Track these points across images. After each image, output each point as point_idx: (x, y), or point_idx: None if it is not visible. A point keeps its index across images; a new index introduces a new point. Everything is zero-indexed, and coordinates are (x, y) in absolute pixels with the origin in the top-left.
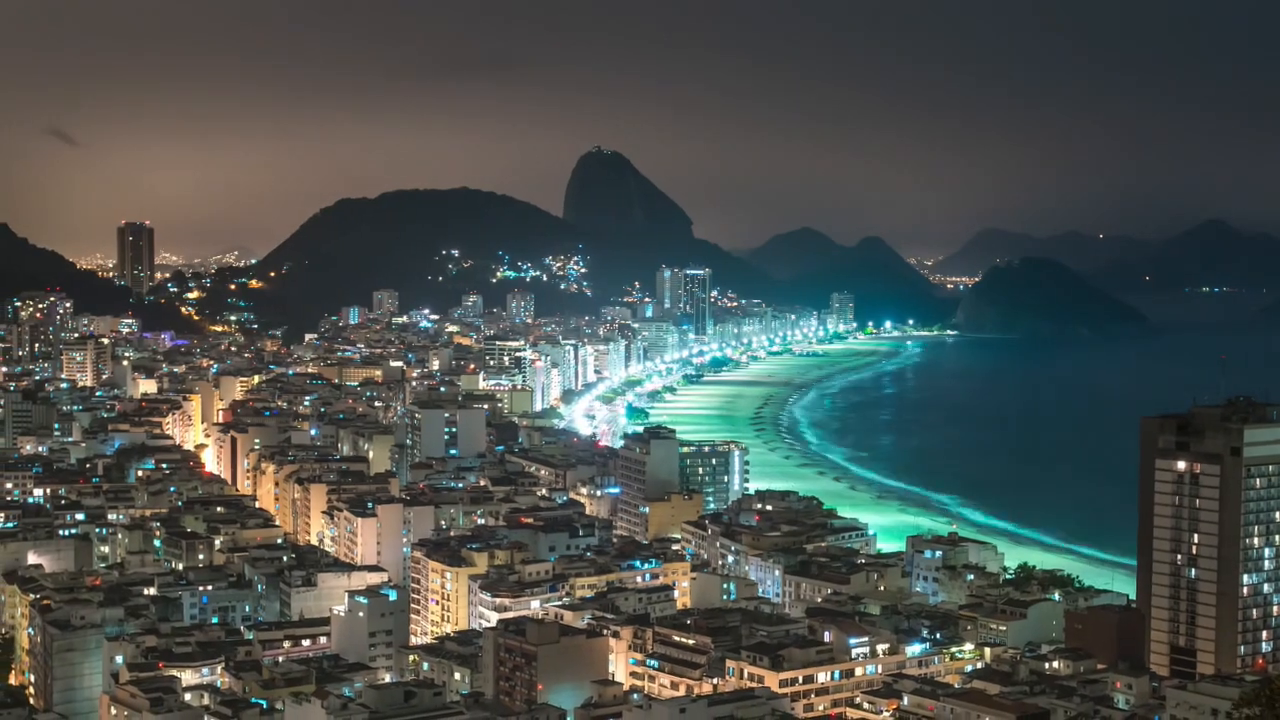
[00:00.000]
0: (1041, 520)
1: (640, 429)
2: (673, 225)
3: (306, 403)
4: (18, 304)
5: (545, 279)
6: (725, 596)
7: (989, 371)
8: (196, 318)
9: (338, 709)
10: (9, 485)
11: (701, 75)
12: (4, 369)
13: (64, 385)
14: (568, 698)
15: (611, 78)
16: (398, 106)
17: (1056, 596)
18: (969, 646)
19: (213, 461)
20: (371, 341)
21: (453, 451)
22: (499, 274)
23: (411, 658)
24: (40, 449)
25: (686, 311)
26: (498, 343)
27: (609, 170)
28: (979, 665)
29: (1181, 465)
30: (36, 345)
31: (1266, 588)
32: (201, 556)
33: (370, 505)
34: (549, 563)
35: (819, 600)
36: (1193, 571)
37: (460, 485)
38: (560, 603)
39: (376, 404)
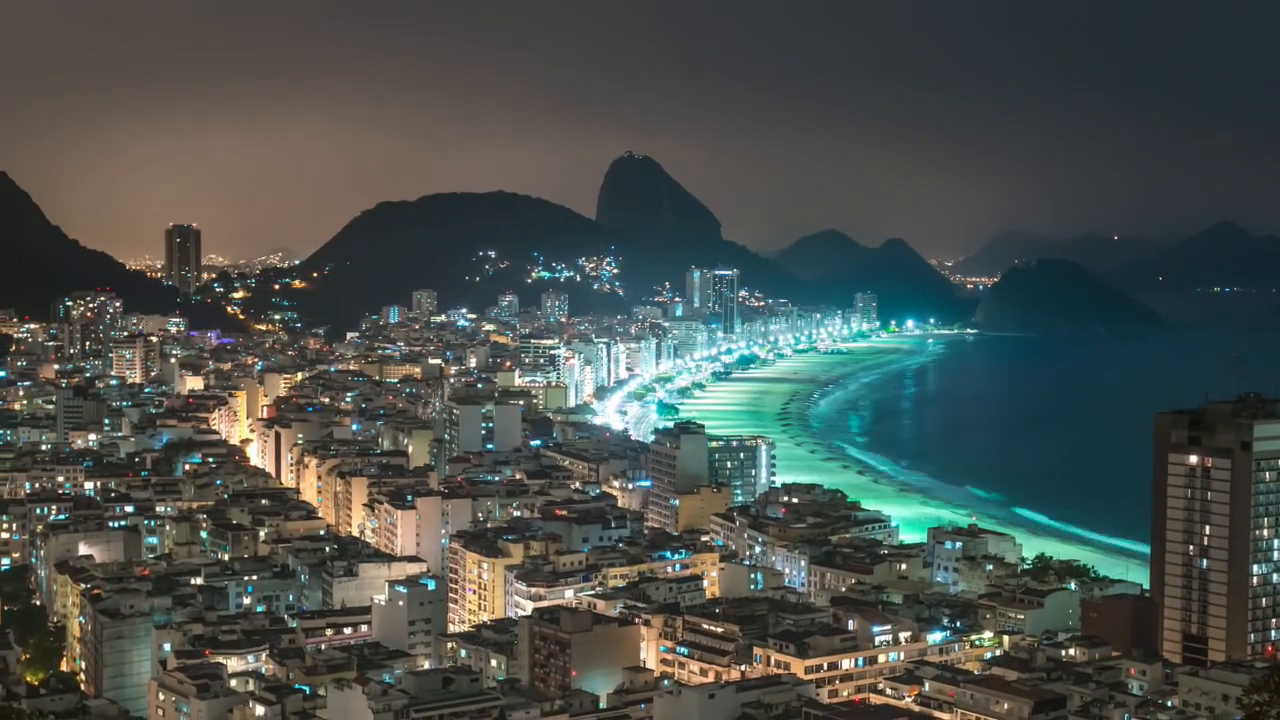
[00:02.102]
0: (1058, 512)
1: (670, 424)
2: (702, 227)
3: (348, 399)
4: (69, 303)
5: (579, 279)
6: (753, 586)
7: (1007, 369)
8: (242, 317)
9: (378, 695)
10: (61, 478)
11: (730, 84)
12: (56, 366)
13: (114, 382)
14: (600, 684)
15: (643, 86)
16: (435, 113)
17: (1073, 586)
18: (988, 634)
19: (257, 456)
20: (411, 340)
21: (489, 446)
22: (534, 274)
23: (449, 645)
24: (91, 443)
25: (715, 311)
26: (533, 341)
27: (641, 174)
28: (998, 652)
29: (1194, 459)
30: (87, 343)
31: (1276, 577)
32: (247, 547)
33: (410, 498)
34: (582, 553)
35: (843, 589)
36: (1204, 562)
37: (497, 479)
38: (593, 592)
39: (416, 400)
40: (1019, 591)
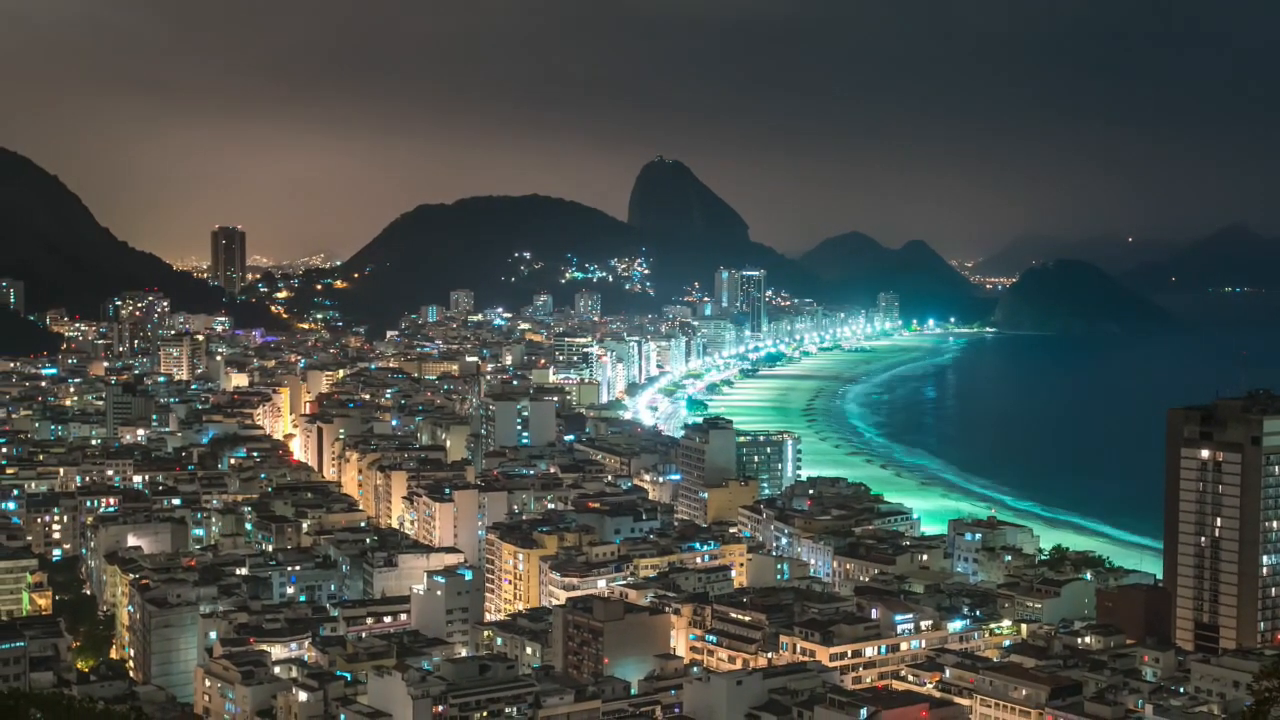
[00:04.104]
0: (1074, 505)
1: (700, 420)
2: (730, 229)
3: (388, 395)
4: (119, 303)
5: (611, 279)
6: (779, 576)
7: (1025, 366)
8: (285, 316)
9: (417, 681)
10: (110, 472)
11: (757, 92)
12: (106, 363)
13: (161, 379)
14: (632, 670)
15: (673, 93)
16: (473, 120)
17: (1088, 576)
18: (1007, 623)
19: (300, 450)
20: (448, 338)
21: (524, 440)
22: (568, 275)
23: (486, 633)
24: (139, 438)
25: (743, 310)
26: (566, 339)
27: (671, 178)
28: (1016, 640)
29: (1205, 454)
30: (136, 341)
31: None
32: (290, 539)
33: (447, 491)
34: (614, 545)
35: (866, 579)
36: (1216, 553)
37: (531, 472)
38: (625, 582)
39: (453, 396)
40: (1036, 581)
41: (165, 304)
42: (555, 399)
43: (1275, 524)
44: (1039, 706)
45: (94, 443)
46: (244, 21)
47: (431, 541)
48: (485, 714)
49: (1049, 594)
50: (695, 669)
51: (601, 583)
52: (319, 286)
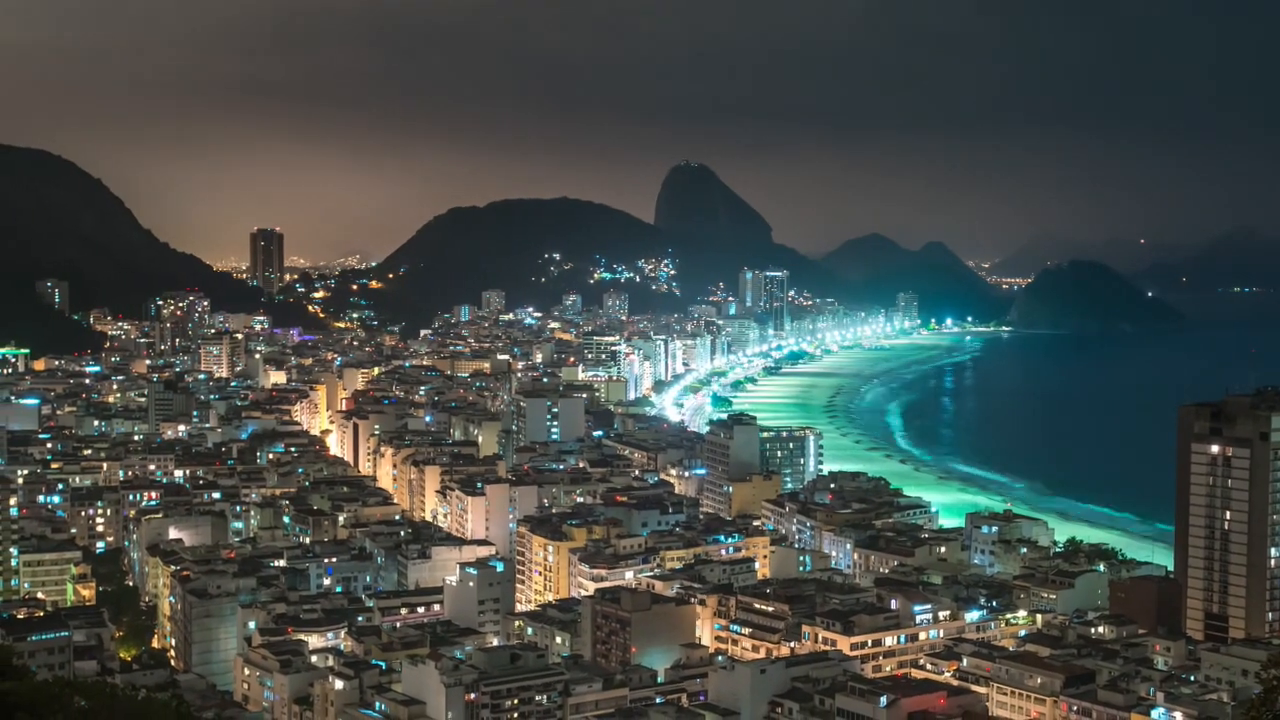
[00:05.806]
0: (1088, 498)
1: (724, 416)
2: (754, 231)
3: (421, 392)
4: (160, 303)
5: (638, 280)
6: (801, 568)
7: (1040, 365)
8: (322, 315)
9: (450, 670)
10: (152, 467)
11: (780, 98)
12: (148, 361)
13: (202, 376)
14: (659, 659)
15: (698, 99)
16: (503, 126)
17: (1101, 568)
18: (1022, 613)
19: (336, 445)
20: (480, 337)
21: (554, 436)
22: (596, 275)
23: (517, 623)
24: (180, 434)
25: (766, 309)
26: (595, 338)
27: (696, 181)
28: (1031, 630)
29: (1215, 449)
30: (177, 340)
31: None
32: (326, 532)
33: (479, 485)
34: (642, 537)
35: (886, 571)
36: (1225, 545)
37: (561, 467)
38: (652, 573)
39: (485, 393)
40: (1051, 573)
41: (205, 304)
42: (584, 396)
43: None
44: (1053, 694)
45: (136, 438)
46: (276, 30)
47: (464, 534)
48: (516, 702)
49: (1063, 585)
50: (720, 658)
51: (629, 574)
52: (355, 287)
